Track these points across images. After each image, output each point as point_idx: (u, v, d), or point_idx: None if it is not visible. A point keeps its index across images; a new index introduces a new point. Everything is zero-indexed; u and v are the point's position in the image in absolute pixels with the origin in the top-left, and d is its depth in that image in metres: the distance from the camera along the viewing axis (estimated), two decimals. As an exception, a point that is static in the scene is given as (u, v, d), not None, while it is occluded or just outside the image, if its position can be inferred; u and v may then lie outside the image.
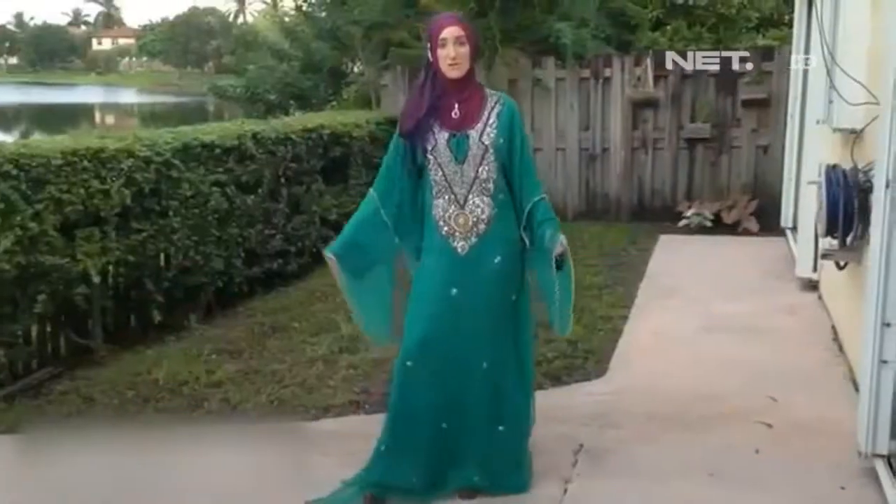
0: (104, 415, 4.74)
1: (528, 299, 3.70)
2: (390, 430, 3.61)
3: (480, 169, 3.51)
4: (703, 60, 9.75)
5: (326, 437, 4.09)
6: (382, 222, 3.63)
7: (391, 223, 3.63)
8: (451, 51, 3.46)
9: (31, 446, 4.41)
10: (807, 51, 7.69)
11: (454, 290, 3.53)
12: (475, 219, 3.53)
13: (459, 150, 3.50)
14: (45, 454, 4.24)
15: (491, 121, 3.53)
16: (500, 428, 3.61)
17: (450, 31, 3.46)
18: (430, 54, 3.53)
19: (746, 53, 9.75)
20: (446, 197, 3.54)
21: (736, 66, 9.61)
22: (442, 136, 3.50)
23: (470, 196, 3.53)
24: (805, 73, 7.72)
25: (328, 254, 3.59)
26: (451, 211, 3.53)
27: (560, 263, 3.42)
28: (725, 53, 9.82)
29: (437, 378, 3.53)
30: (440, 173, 3.53)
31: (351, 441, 4.11)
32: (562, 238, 3.43)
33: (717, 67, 9.69)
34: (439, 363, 3.52)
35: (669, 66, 9.81)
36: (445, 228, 3.55)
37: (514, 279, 3.62)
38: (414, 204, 3.64)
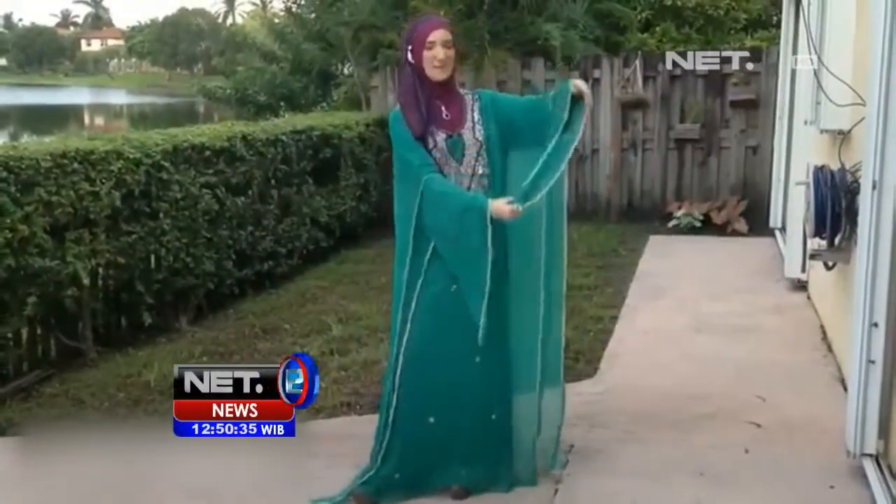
0: (95, 417, 4.74)
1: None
2: (380, 428, 3.67)
3: (476, 164, 3.60)
4: (704, 60, 9.78)
5: (318, 438, 4.09)
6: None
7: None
8: (440, 53, 3.50)
9: (22, 448, 4.41)
10: (794, 52, 7.73)
11: (454, 286, 3.57)
12: None
13: (456, 149, 3.57)
14: (37, 457, 4.23)
15: (476, 118, 3.63)
16: (493, 416, 3.65)
17: (438, 34, 3.51)
18: (410, 56, 3.56)
19: (747, 53, 9.77)
20: None
21: (736, 65, 9.64)
22: (440, 137, 3.57)
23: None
24: (793, 74, 7.76)
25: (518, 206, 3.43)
26: None
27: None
28: (726, 53, 9.83)
29: (429, 374, 3.58)
30: (440, 172, 3.57)
31: (343, 442, 4.13)
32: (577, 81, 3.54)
33: (717, 67, 9.73)
34: (433, 360, 3.57)
35: (669, 66, 9.84)
36: None
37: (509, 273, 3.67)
38: None
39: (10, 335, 5.21)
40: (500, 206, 3.41)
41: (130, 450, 4.23)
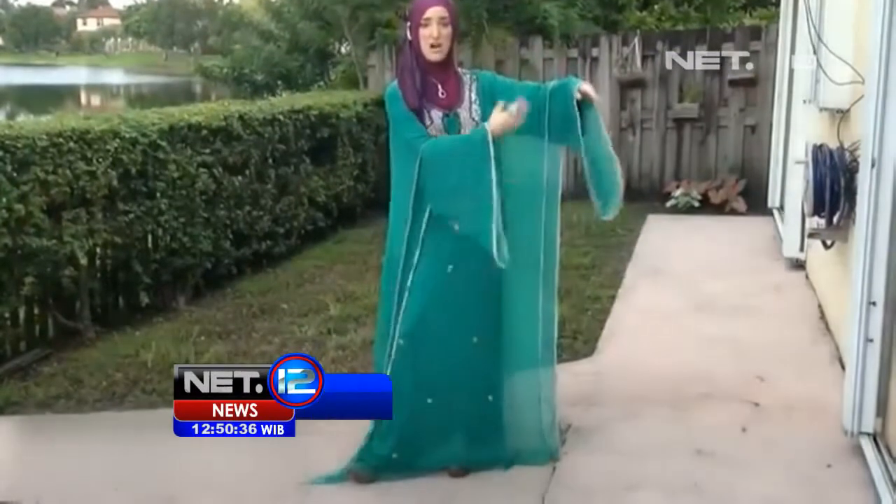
0: (93, 396, 4.74)
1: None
2: None
3: None
4: (704, 60, 9.68)
5: (315, 417, 4.10)
6: None
7: None
8: (434, 31, 3.46)
9: (21, 427, 4.41)
10: (794, 29, 7.70)
11: (450, 267, 3.55)
12: None
13: (452, 129, 3.54)
14: (35, 436, 4.24)
15: (473, 98, 3.59)
16: (490, 398, 3.67)
17: (434, 12, 3.47)
18: (409, 33, 3.53)
19: (746, 53, 9.64)
20: None
21: (736, 65, 9.56)
22: (436, 115, 3.54)
23: None
24: (792, 52, 7.72)
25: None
26: None
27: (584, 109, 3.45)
28: (726, 53, 9.66)
29: (427, 355, 3.57)
30: None
31: (341, 421, 4.11)
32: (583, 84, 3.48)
33: (717, 67, 9.64)
34: (431, 341, 3.56)
35: (669, 65, 9.75)
36: None
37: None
38: None
39: (7, 315, 5.22)
40: (497, 116, 3.40)
41: (129, 430, 4.23)
